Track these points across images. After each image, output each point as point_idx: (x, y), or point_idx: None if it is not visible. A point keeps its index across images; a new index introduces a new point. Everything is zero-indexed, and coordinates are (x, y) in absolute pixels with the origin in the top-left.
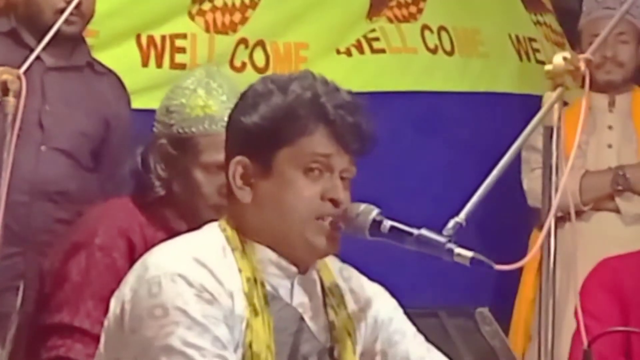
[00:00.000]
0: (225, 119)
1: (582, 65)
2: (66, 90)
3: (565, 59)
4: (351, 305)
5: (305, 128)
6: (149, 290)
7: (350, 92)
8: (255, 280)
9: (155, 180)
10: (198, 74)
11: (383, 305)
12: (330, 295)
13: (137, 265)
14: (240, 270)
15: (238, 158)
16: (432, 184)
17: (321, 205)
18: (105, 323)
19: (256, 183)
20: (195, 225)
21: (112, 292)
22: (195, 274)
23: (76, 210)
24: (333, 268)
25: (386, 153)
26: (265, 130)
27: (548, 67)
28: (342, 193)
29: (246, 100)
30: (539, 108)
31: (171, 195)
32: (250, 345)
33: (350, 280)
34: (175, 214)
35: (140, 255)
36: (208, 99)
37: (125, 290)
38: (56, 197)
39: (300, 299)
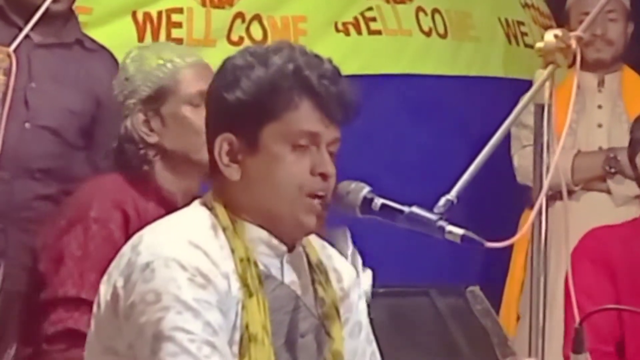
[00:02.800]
0: (182, 57)
1: (573, 43)
2: (53, 67)
3: (556, 36)
4: (335, 284)
5: (290, 102)
6: (142, 276)
7: (330, 60)
8: (248, 260)
9: (145, 149)
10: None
11: (355, 290)
12: (317, 272)
13: (127, 250)
14: (233, 251)
15: (223, 135)
16: (424, 167)
17: (312, 180)
18: (95, 309)
19: (243, 160)
20: (195, 174)
21: (111, 263)
22: (190, 256)
23: (60, 188)
24: (316, 246)
25: (380, 136)
26: (249, 105)
27: (539, 44)
28: (331, 167)
29: (226, 75)
30: (527, 91)
31: (164, 155)
32: (247, 327)
33: (331, 258)
34: (170, 175)
35: (135, 227)
36: (159, 52)
37: (116, 275)
38: (38, 175)
39: (290, 277)
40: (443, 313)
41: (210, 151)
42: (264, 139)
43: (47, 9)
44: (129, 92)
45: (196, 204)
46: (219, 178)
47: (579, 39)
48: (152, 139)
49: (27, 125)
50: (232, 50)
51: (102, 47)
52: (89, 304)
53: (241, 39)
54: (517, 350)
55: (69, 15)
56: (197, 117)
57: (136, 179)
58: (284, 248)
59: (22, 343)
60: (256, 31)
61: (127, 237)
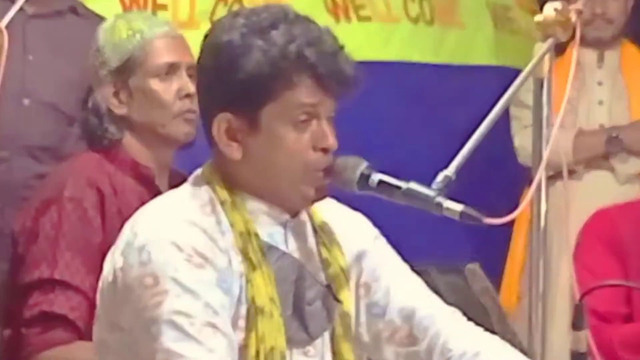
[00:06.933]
0: (152, 28)
1: (573, 16)
2: (49, 38)
3: (556, 9)
4: (342, 240)
5: (290, 81)
6: (139, 259)
7: (328, 30)
8: (248, 233)
9: (111, 124)
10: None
11: (366, 236)
12: (321, 233)
13: (126, 230)
14: (232, 225)
15: (221, 115)
16: (411, 156)
17: (315, 157)
18: (100, 285)
19: (244, 139)
20: (165, 147)
21: (86, 242)
22: (186, 236)
23: (58, 165)
24: (319, 205)
25: (368, 122)
26: (249, 86)
27: (538, 18)
28: (332, 140)
29: (221, 52)
30: (513, 80)
31: (133, 128)
32: (253, 300)
33: (336, 214)
34: (141, 148)
35: (111, 205)
36: (130, 22)
37: (117, 255)
38: (37, 153)
39: (294, 243)
40: (442, 291)
41: (207, 127)
42: (264, 119)
43: None
44: (100, 62)
45: (194, 177)
46: (218, 153)
47: (579, 12)
48: (121, 110)
49: (25, 101)
50: None
51: (95, 15)
52: (64, 284)
53: None
54: (518, 330)
55: None
56: (165, 89)
57: (111, 155)
58: (286, 216)
59: (5, 325)
60: None
61: (103, 214)
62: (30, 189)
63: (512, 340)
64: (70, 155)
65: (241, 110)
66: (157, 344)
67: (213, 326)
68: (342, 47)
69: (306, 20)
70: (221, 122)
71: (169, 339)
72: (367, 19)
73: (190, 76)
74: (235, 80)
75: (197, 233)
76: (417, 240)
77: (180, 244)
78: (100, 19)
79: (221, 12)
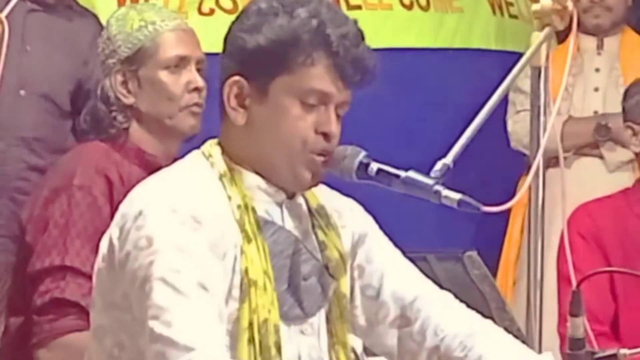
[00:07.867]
0: (164, 20)
1: (570, 5)
2: (46, 31)
3: None
4: (337, 223)
5: (307, 57)
6: (135, 224)
7: (355, 22)
8: (246, 206)
9: (119, 113)
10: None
11: (360, 221)
12: (317, 217)
13: (123, 203)
14: (229, 198)
15: (235, 78)
16: (407, 140)
17: (314, 139)
18: (96, 267)
19: (250, 106)
20: (171, 139)
21: (96, 230)
22: (182, 201)
23: (52, 157)
24: (314, 190)
25: (363, 111)
26: (266, 53)
27: (536, 6)
28: (335, 127)
29: (248, 17)
30: (513, 65)
31: (140, 117)
32: (246, 272)
33: (330, 200)
34: (148, 137)
35: (119, 193)
36: (142, 13)
37: (113, 228)
38: (33, 144)
39: (291, 223)
40: (441, 278)
41: (222, 93)
42: (274, 89)
43: None
44: (110, 51)
45: (193, 153)
46: (225, 121)
47: (576, 0)
48: (129, 100)
49: (22, 92)
50: (203, 21)
51: (89, 11)
52: (75, 271)
53: (212, 10)
54: (514, 314)
55: None
56: (174, 82)
57: (118, 144)
58: (282, 195)
59: (13, 314)
60: (226, 2)
61: (111, 203)
62: (24, 180)
63: (510, 326)
64: (62, 148)
65: (254, 76)
66: (149, 301)
67: (203, 286)
68: (364, 39)
69: (337, 9)
70: (233, 85)
71: (160, 296)
72: (357, 7)
73: (199, 70)
74: (255, 44)
75: (192, 200)
76: (415, 228)
77: (175, 208)
78: (93, 15)
79: (209, 1)
